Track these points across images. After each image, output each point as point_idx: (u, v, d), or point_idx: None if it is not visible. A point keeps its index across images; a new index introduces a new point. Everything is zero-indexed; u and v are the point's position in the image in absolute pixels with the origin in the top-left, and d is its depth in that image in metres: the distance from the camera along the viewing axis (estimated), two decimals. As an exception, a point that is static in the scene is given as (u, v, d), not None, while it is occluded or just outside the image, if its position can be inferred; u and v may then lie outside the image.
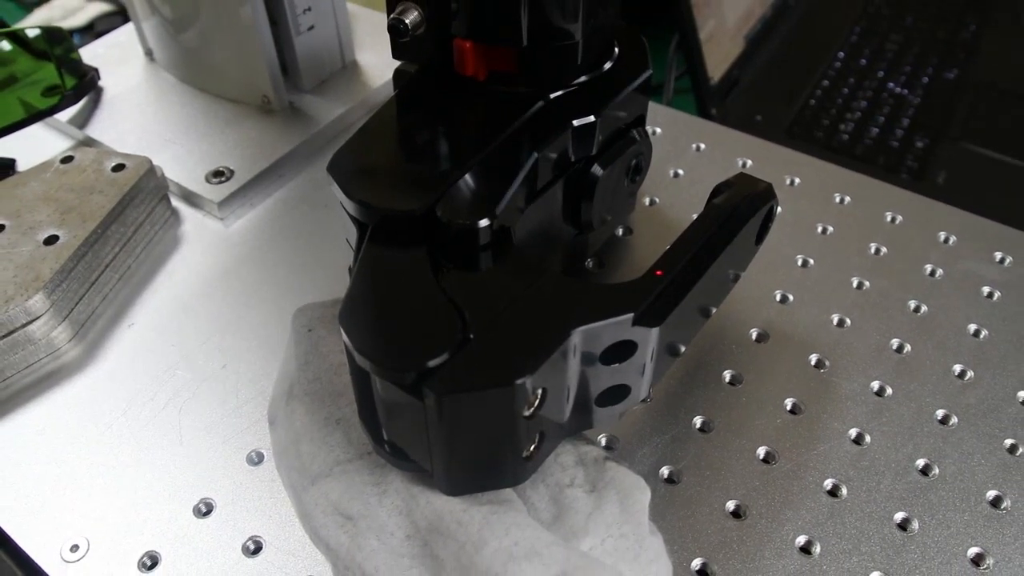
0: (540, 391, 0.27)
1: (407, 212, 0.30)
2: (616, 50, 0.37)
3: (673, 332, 0.31)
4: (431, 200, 0.31)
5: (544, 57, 0.34)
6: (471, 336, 0.27)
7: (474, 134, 0.33)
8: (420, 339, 0.27)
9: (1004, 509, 0.33)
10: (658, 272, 0.30)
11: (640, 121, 0.38)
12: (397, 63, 0.38)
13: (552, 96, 0.35)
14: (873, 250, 0.44)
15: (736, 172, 0.35)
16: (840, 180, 0.48)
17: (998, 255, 0.44)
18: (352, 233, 0.33)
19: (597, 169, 0.36)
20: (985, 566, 0.32)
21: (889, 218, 0.46)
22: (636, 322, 0.28)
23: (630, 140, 0.37)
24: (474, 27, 0.34)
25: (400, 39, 0.34)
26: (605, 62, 0.37)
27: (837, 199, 0.47)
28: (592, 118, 0.34)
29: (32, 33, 0.51)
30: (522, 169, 0.32)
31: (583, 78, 0.36)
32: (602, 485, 0.30)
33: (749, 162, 0.49)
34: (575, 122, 0.34)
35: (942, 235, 0.45)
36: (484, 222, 0.30)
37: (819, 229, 0.45)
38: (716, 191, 0.34)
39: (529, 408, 0.27)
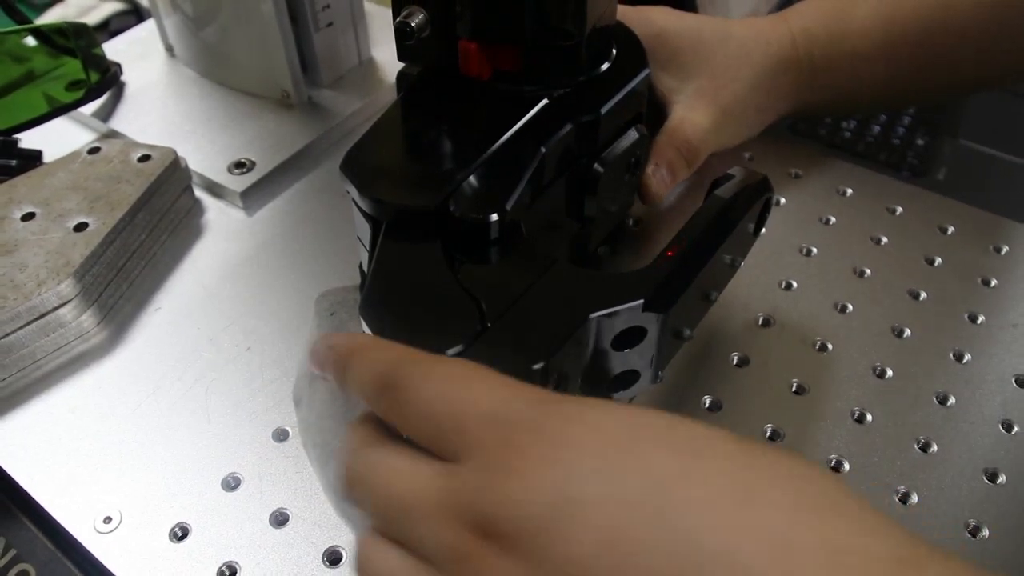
0: (556, 376, 0.28)
1: (421, 208, 0.32)
2: (614, 50, 0.39)
3: (680, 317, 0.32)
4: (443, 196, 0.32)
5: (547, 56, 0.36)
6: (488, 325, 0.28)
7: (481, 132, 0.34)
8: (440, 329, 0.28)
9: (1000, 483, 0.35)
10: (664, 260, 0.31)
11: (639, 118, 0.39)
12: (411, 59, 0.39)
13: (555, 94, 0.36)
14: (874, 240, 0.45)
15: (740, 166, 0.36)
16: (842, 173, 0.49)
17: (995, 245, 0.45)
18: (364, 231, 0.34)
19: (599, 165, 0.37)
20: (981, 536, 0.33)
21: (890, 209, 0.47)
22: (646, 308, 0.29)
23: (630, 136, 0.39)
24: (478, 28, 0.35)
25: (406, 41, 0.35)
26: (604, 62, 0.38)
27: (839, 191, 0.48)
28: (595, 115, 0.36)
29: (54, 28, 0.52)
30: (530, 165, 0.33)
31: (584, 77, 0.37)
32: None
33: (753, 156, 0.50)
34: (579, 119, 0.35)
35: (941, 226, 0.46)
36: (495, 216, 0.31)
37: (822, 219, 0.46)
38: (715, 183, 0.35)
39: None
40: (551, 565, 0.20)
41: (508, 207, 0.32)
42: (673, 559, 0.19)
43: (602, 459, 0.20)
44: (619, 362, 0.31)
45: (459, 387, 0.23)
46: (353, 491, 0.25)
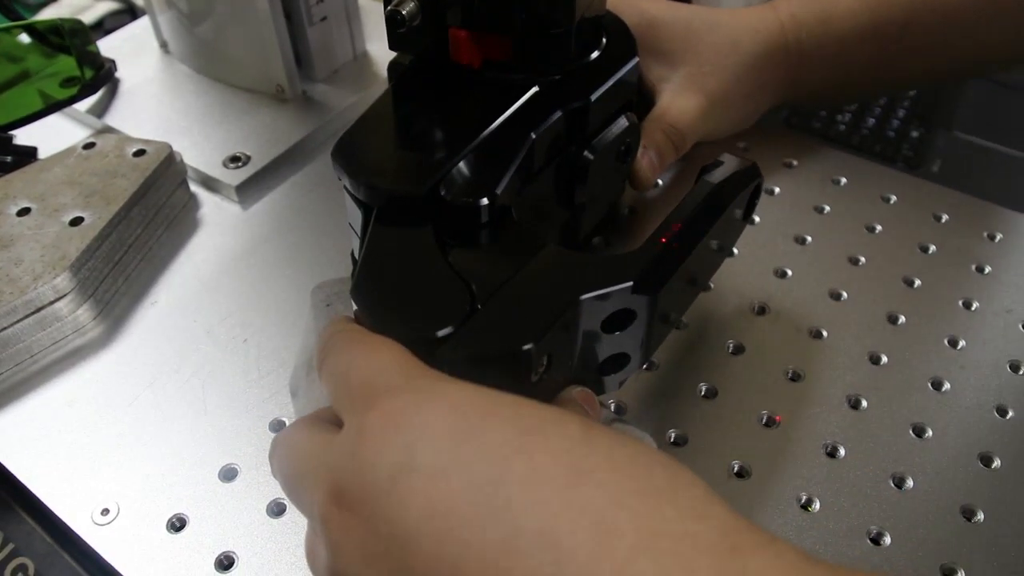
0: (546, 357, 0.29)
1: (412, 193, 0.32)
2: (604, 39, 0.39)
3: (669, 302, 0.32)
4: (434, 181, 0.32)
5: (537, 44, 0.36)
6: (478, 307, 0.28)
7: (471, 119, 0.35)
8: (430, 310, 0.28)
9: (994, 468, 0.35)
10: (653, 244, 0.31)
11: (629, 106, 0.40)
12: (403, 54, 0.39)
13: (545, 82, 0.36)
14: (869, 228, 0.45)
15: (730, 153, 0.36)
16: (836, 162, 0.49)
17: (989, 232, 0.45)
18: (355, 218, 0.34)
19: (589, 152, 0.37)
20: (976, 520, 0.33)
21: (884, 198, 0.47)
22: (635, 290, 0.29)
23: (620, 124, 0.39)
24: (468, 16, 0.35)
25: (397, 30, 0.35)
26: (594, 50, 0.38)
27: (833, 180, 0.48)
28: (584, 102, 0.36)
29: (49, 25, 0.52)
30: (519, 151, 0.34)
31: (574, 65, 0.37)
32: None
33: (748, 147, 0.50)
34: (568, 106, 0.35)
35: (935, 213, 0.46)
36: (485, 200, 0.31)
37: (817, 208, 0.46)
38: (703, 170, 0.35)
39: (536, 375, 0.28)
40: (384, 528, 0.20)
41: (498, 192, 0.32)
42: (492, 532, 0.19)
43: (445, 431, 0.21)
44: (609, 345, 0.31)
45: (359, 355, 0.25)
46: (271, 467, 0.27)
